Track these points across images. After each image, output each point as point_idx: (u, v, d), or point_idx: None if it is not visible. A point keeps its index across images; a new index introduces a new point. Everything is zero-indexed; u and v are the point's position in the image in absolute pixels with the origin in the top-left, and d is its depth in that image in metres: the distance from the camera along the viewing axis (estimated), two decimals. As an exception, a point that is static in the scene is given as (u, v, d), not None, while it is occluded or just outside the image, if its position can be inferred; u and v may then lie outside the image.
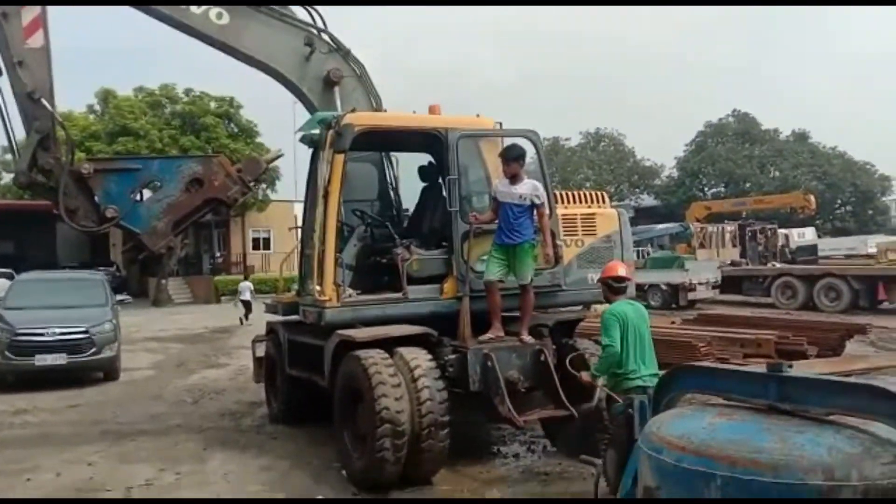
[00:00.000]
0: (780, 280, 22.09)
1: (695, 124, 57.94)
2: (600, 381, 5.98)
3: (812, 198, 33.63)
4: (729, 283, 23.38)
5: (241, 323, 20.93)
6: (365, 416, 6.23)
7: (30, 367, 11.58)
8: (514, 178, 6.81)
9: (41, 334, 11.60)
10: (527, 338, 6.87)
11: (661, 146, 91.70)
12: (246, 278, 23.78)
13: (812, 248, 31.79)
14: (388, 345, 6.49)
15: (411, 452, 6.04)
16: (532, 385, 6.71)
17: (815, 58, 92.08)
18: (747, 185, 49.49)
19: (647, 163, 57.82)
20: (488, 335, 6.78)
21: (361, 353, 6.40)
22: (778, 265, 25.76)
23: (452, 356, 6.61)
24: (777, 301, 21.60)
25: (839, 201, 51.61)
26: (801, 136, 53.46)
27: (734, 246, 29.26)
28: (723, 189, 51.55)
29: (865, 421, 2.44)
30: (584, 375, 6.08)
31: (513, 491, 6.17)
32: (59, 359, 11.61)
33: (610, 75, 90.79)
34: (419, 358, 6.33)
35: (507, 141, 7.73)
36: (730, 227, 29.91)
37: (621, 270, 6.20)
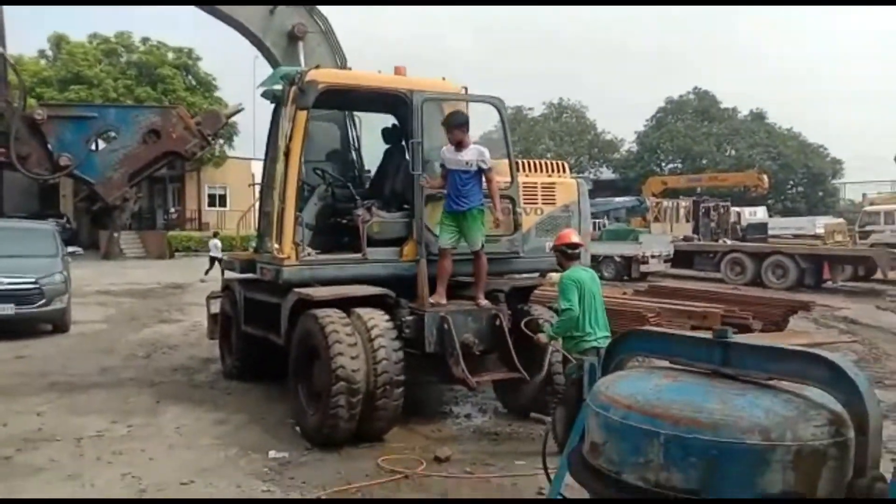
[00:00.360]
0: (730, 256, 22.64)
1: (657, 100, 58.53)
2: (559, 343, 6.19)
3: (766, 177, 34.40)
4: (681, 258, 23.92)
5: (205, 275, 21.57)
6: (321, 374, 6.28)
7: (-25, 317, 11.34)
8: (459, 145, 6.82)
9: (-12, 284, 11.36)
10: (483, 302, 6.97)
11: (622, 120, 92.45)
12: (215, 235, 24.06)
13: (762, 227, 32.59)
14: (346, 305, 6.53)
15: (365, 410, 6.12)
16: (487, 348, 6.84)
17: (788, 35, 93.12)
18: (704, 161, 50.28)
19: (608, 136, 58.39)
20: (430, 300, 6.83)
21: (319, 311, 6.42)
22: (729, 242, 26.39)
23: (409, 318, 6.68)
24: (726, 276, 22.16)
25: (791, 182, 52.80)
26: (759, 116, 54.39)
27: (688, 221, 29.87)
28: (680, 165, 52.32)
29: (802, 386, 2.57)
30: (542, 337, 6.34)
31: (463, 449, 6.29)
32: (6, 309, 11.41)
33: (576, 46, 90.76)
34: (376, 318, 6.39)
35: (472, 106, 7.75)
36: (684, 203, 30.49)
37: (574, 237, 6.44)
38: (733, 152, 51.73)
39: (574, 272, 6.11)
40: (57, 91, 30.07)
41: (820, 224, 32.16)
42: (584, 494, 2.93)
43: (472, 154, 6.76)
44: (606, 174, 56.35)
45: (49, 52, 34.46)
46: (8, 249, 12.30)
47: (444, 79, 7.75)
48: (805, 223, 35.18)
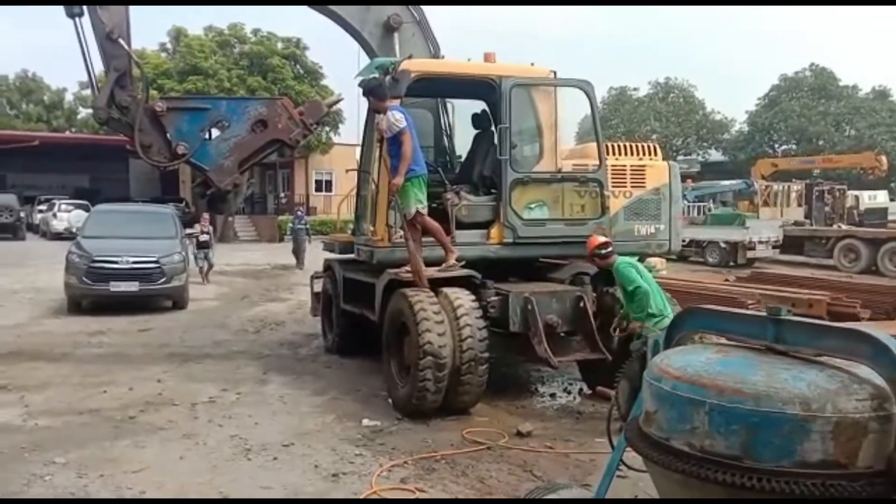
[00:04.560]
0: (843, 242, 21.56)
1: (770, 78, 55.87)
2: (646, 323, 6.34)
3: (884, 158, 32.34)
4: (790, 244, 22.94)
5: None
6: (410, 349, 6.65)
7: (105, 293, 12.43)
8: (378, 112, 6.94)
9: (115, 262, 12.41)
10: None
11: (733, 99, 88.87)
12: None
13: (882, 212, 30.66)
14: (434, 284, 6.85)
15: (451, 384, 6.45)
16: (571, 329, 7.01)
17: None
18: (820, 142, 47.73)
19: (718, 116, 56.19)
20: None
21: (409, 291, 6.78)
22: (844, 227, 25.09)
23: (495, 298, 6.94)
24: (839, 264, 21.11)
25: (918, 164, 49.37)
26: (882, 94, 51.00)
27: (800, 205, 28.53)
28: (794, 146, 49.86)
29: (854, 363, 2.65)
30: (633, 324, 6.48)
31: (545, 425, 6.52)
32: (131, 286, 12.43)
33: (684, 26, 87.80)
34: (462, 298, 6.67)
35: (560, 90, 7.88)
36: (796, 186, 29.13)
37: (600, 239, 6.77)
38: (853, 132, 48.77)
39: (623, 258, 6.58)
40: (176, 82, 31.79)
41: (949, 208, 30.04)
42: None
43: (382, 122, 6.84)
44: (715, 156, 54.37)
45: (169, 46, 36.42)
46: (132, 231, 13.41)
47: (532, 64, 7.90)
48: (932, 207, 32.90)
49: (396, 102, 6.92)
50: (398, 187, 6.74)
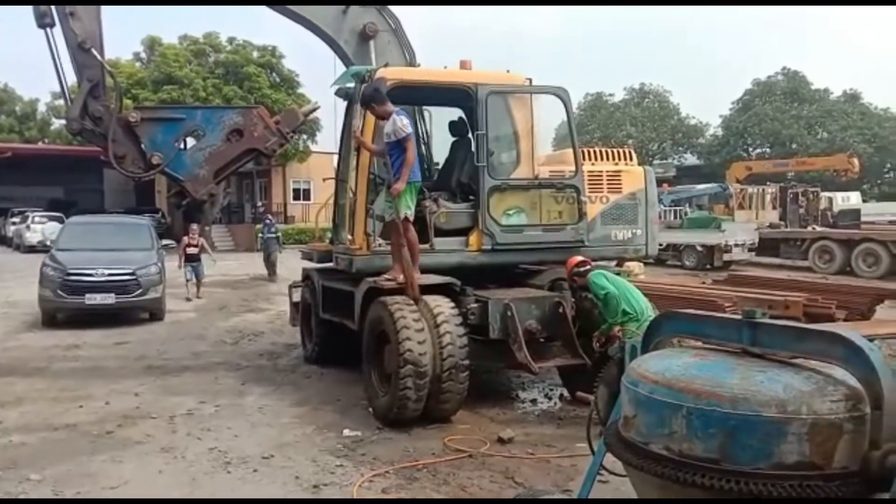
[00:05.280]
0: (817, 244, 21.84)
1: (743, 82, 56.58)
2: (628, 327, 6.43)
3: (856, 160, 32.91)
4: (766, 246, 23.23)
5: None
6: (390, 358, 6.62)
7: (80, 306, 12.26)
8: (382, 118, 6.89)
9: (91, 275, 12.24)
10: (400, 277, 6.84)
11: (707, 104, 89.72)
12: None
13: (855, 213, 31.08)
14: (412, 292, 6.82)
15: (432, 392, 6.43)
16: (550, 335, 7.03)
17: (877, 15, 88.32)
18: (794, 145, 48.33)
19: (692, 121, 56.75)
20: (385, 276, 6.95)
21: (388, 299, 6.76)
22: (818, 229, 25.44)
23: (474, 305, 6.94)
24: (814, 265, 21.40)
25: (888, 165, 50.18)
26: (853, 97, 51.76)
27: (774, 208, 28.89)
28: (768, 150, 50.44)
29: (829, 365, 2.68)
30: (613, 331, 6.55)
31: (526, 431, 6.52)
32: (107, 298, 12.27)
33: (658, 30, 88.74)
34: (442, 305, 6.66)
35: (536, 97, 7.92)
36: (771, 189, 29.50)
37: (577, 258, 7.11)
38: (825, 135, 49.40)
39: (595, 271, 6.87)
40: (151, 92, 31.58)
41: (920, 209, 30.58)
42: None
43: (388, 126, 6.80)
44: (691, 160, 54.88)
45: (143, 55, 36.19)
46: (108, 243, 13.25)
47: (508, 71, 7.94)
48: (904, 208, 33.50)
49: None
50: (399, 192, 6.66)
